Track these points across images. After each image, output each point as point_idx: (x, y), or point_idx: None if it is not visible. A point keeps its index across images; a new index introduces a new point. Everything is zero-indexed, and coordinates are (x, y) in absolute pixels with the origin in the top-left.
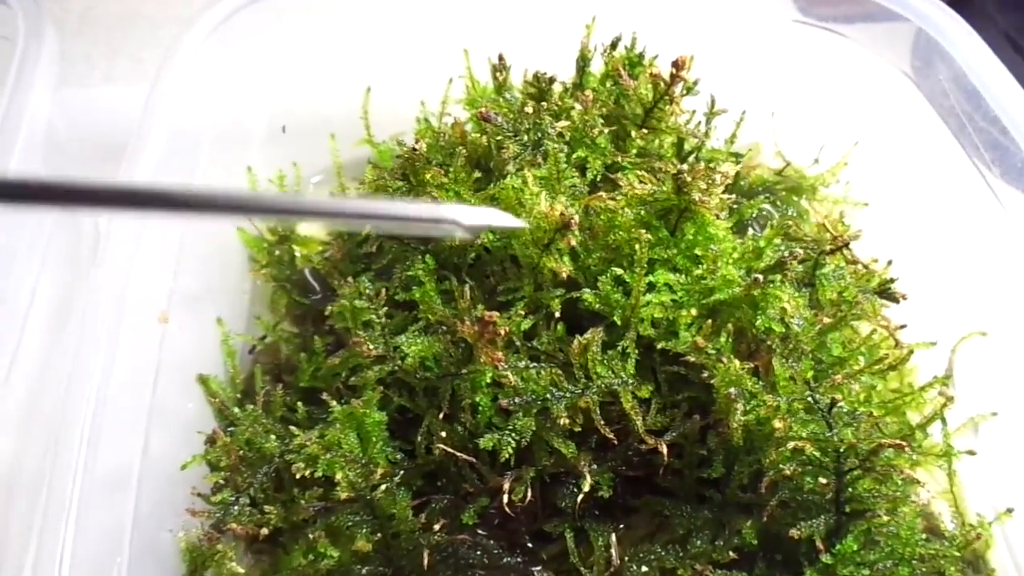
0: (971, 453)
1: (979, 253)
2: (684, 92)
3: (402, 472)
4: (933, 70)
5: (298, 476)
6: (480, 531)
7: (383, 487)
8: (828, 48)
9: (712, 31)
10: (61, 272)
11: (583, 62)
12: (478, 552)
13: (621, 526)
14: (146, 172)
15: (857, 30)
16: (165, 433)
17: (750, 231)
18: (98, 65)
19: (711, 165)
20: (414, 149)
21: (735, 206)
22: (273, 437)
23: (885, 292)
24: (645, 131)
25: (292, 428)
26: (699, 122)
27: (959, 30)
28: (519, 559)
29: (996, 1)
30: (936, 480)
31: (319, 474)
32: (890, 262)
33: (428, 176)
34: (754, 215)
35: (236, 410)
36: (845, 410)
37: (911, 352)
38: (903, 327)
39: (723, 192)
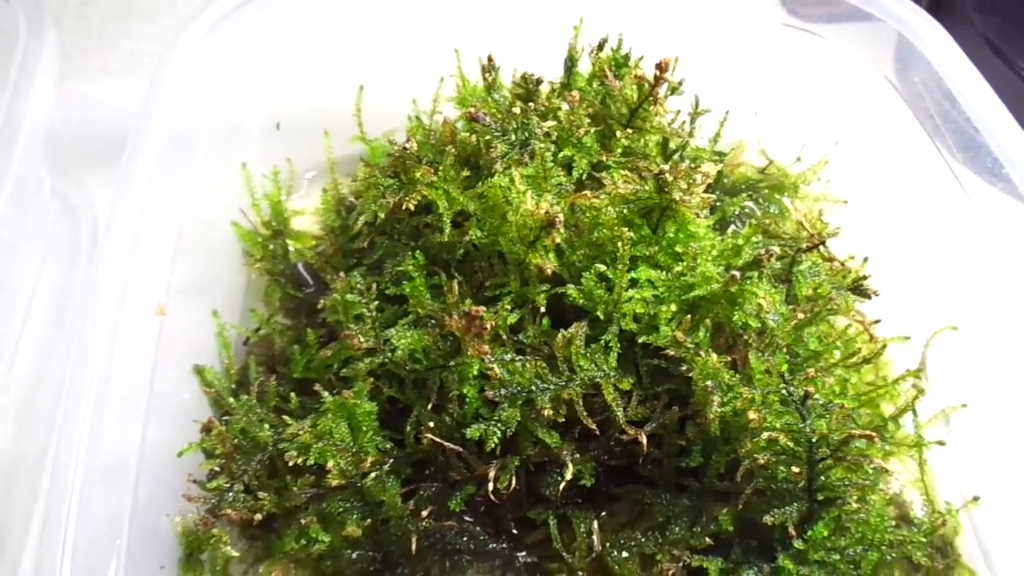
0: (940, 443)
1: (952, 250)
2: (669, 93)
3: (392, 460)
4: (910, 72)
5: (291, 464)
6: (467, 517)
7: (373, 475)
8: (812, 50)
9: (699, 32)
10: (62, 265)
11: (571, 62)
12: (464, 538)
13: (603, 513)
14: (146, 167)
15: (841, 31)
16: (163, 422)
17: (733, 228)
18: (94, 59)
19: (695, 164)
20: (404, 148)
21: (718, 203)
22: (267, 426)
23: (858, 288)
24: (630, 131)
25: (285, 417)
26: (684, 121)
27: (934, 34)
28: (504, 545)
29: (975, 4)
30: (908, 469)
31: (311, 462)
32: (866, 259)
33: (418, 174)
34: (737, 212)
35: (231, 400)
36: (821, 402)
37: (884, 346)
38: (877, 322)
39: (704, 191)
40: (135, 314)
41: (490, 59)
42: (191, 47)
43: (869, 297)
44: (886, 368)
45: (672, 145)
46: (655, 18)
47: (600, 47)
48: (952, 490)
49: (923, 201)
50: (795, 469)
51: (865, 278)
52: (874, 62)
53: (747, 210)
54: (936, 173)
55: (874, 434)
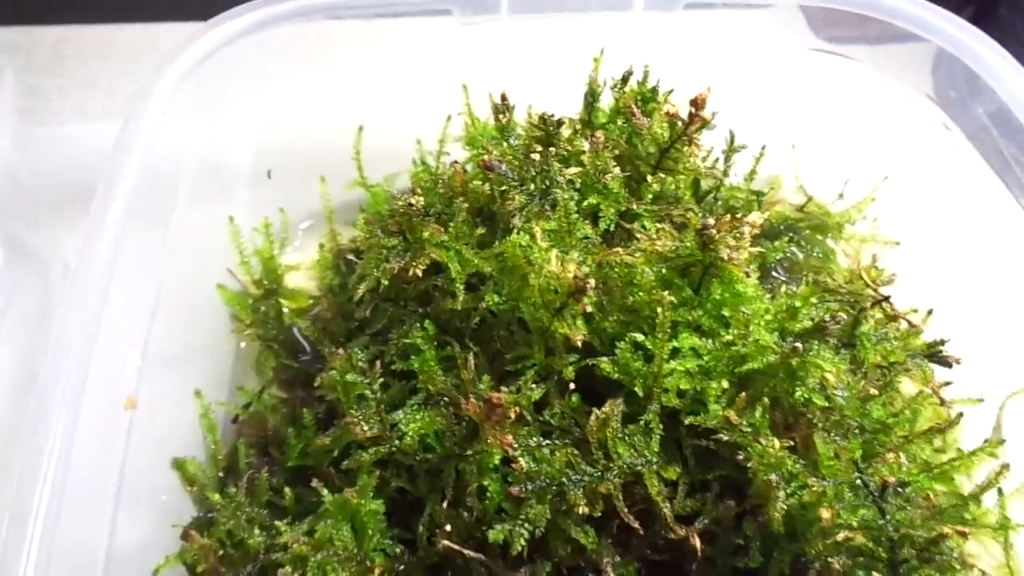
0: None
1: None
2: (700, 129)
3: (403, 567)
4: (972, 103)
5: None
6: None
7: None
8: (846, 75)
9: (725, 61)
10: (27, 326)
11: (592, 97)
12: None
13: None
14: (117, 217)
15: (874, 54)
16: (134, 529)
17: (777, 277)
18: (71, 98)
19: (735, 212)
20: (411, 204)
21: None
22: (257, 530)
23: (935, 355)
24: (661, 175)
25: (278, 523)
26: (716, 159)
27: (1001, 61)
28: None
29: None
30: (990, 553)
31: None
32: (930, 312)
33: (427, 234)
34: (779, 258)
35: (216, 496)
36: (899, 489)
37: (961, 415)
38: (948, 384)
39: (750, 244)
40: (99, 404)
41: (504, 98)
42: (170, 86)
43: (950, 365)
44: (954, 432)
45: (704, 186)
46: (678, 47)
47: (624, 81)
48: None
49: (988, 243)
50: (876, 575)
51: (943, 343)
52: (915, 83)
53: (790, 254)
54: (1004, 212)
55: (967, 530)
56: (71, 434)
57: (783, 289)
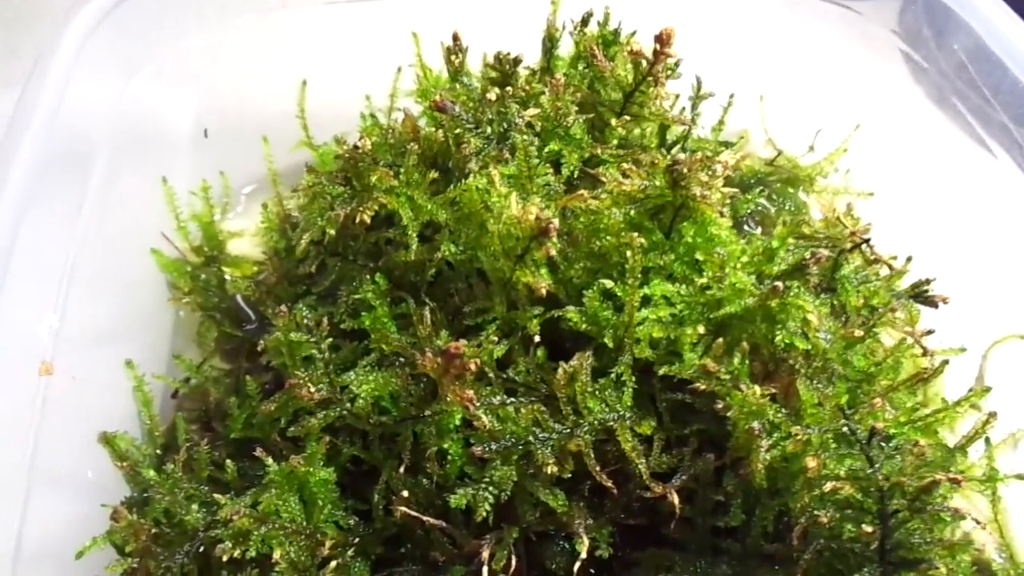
0: (1020, 477)
1: (1008, 244)
2: (667, 73)
3: (357, 540)
4: (947, 40)
5: (225, 558)
6: None
7: (333, 564)
8: (816, 21)
9: (688, 5)
10: None
11: (550, 43)
12: None
13: None
14: (17, 188)
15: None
16: (55, 511)
17: (746, 229)
18: None
19: (706, 155)
20: (356, 147)
21: (729, 201)
22: (195, 507)
23: (920, 295)
24: (626, 119)
25: (218, 496)
26: (683, 107)
27: None
28: None
29: None
30: (976, 507)
31: (252, 554)
32: (909, 259)
33: (375, 178)
34: (750, 211)
35: (151, 473)
36: (885, 437)
37: (945, 363)
38: (930, 332)
39: (723, 185)
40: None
41: (455, 38)
42: (84, 36)
43: (936, 305)
44: (936, 384)
45: (670, 135)
46: None
47: (584, 23)
48: None
49: (969, 189)
50: (867, 528)
51: (929, 282)
52: (889, 28)
53: (761, 207)
54: (983, 155)
55: (959, 477)
56: None
57: (758, 231)
